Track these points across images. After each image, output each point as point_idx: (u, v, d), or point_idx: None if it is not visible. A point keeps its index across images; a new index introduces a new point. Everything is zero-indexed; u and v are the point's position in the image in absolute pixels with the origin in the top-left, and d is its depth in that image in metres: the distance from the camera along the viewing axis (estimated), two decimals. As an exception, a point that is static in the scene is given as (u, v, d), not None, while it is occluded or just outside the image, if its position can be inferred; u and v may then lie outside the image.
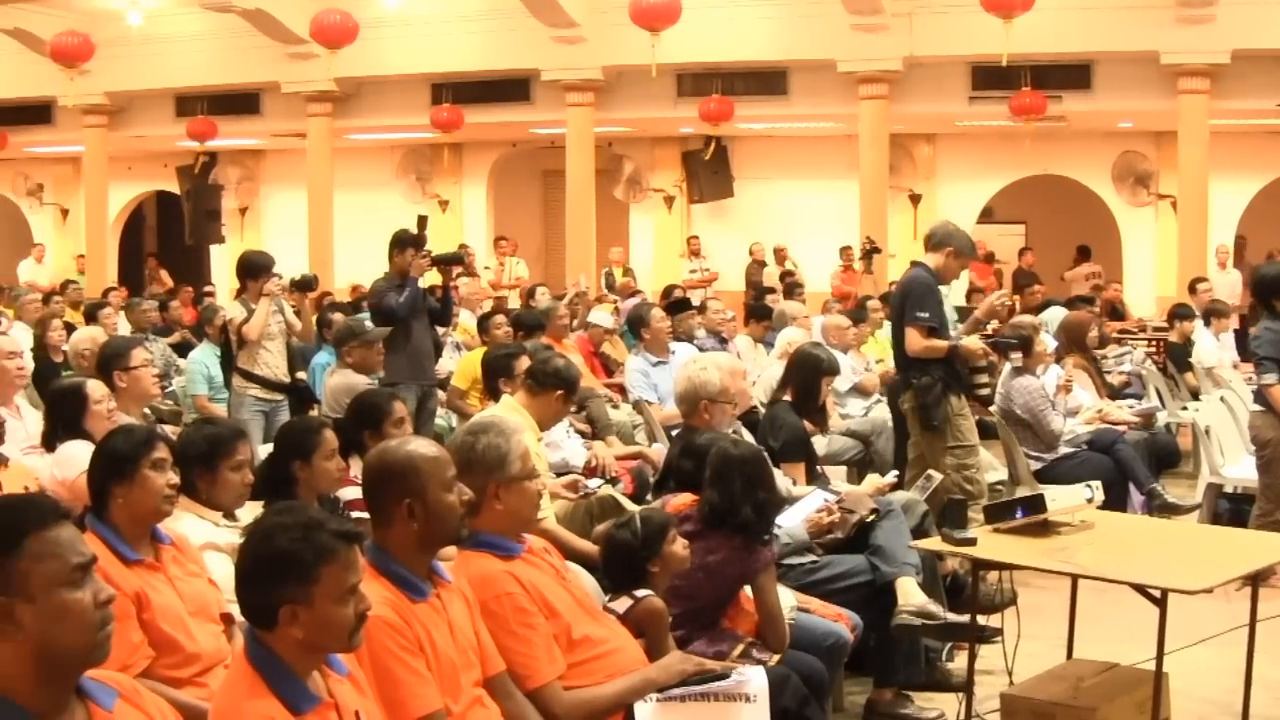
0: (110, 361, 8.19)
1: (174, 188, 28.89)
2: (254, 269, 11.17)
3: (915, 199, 25.09)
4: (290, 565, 3.58)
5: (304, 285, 11.90)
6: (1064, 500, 6.35)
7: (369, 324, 10.85)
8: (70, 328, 13.33)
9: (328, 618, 3.59)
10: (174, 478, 5.03)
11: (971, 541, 5.99)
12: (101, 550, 4.64)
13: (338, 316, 13.20)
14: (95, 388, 7.37)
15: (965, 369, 9.12)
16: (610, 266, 24.36)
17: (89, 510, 4.95)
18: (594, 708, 4.86)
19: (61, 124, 26.61)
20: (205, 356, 12.01)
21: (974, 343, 9.17)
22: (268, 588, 3.59)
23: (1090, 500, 6.40)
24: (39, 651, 2.99)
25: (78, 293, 19.86)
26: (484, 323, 12.96)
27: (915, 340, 9.18)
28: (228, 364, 11.26)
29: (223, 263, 29.41)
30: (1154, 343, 18.36)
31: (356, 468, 6.63)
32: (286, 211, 28.33)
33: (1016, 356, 10.49)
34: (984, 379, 9.26)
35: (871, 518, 7.03)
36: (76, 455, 6.61)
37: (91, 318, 14.81)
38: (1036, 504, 6.26)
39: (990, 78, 20.85)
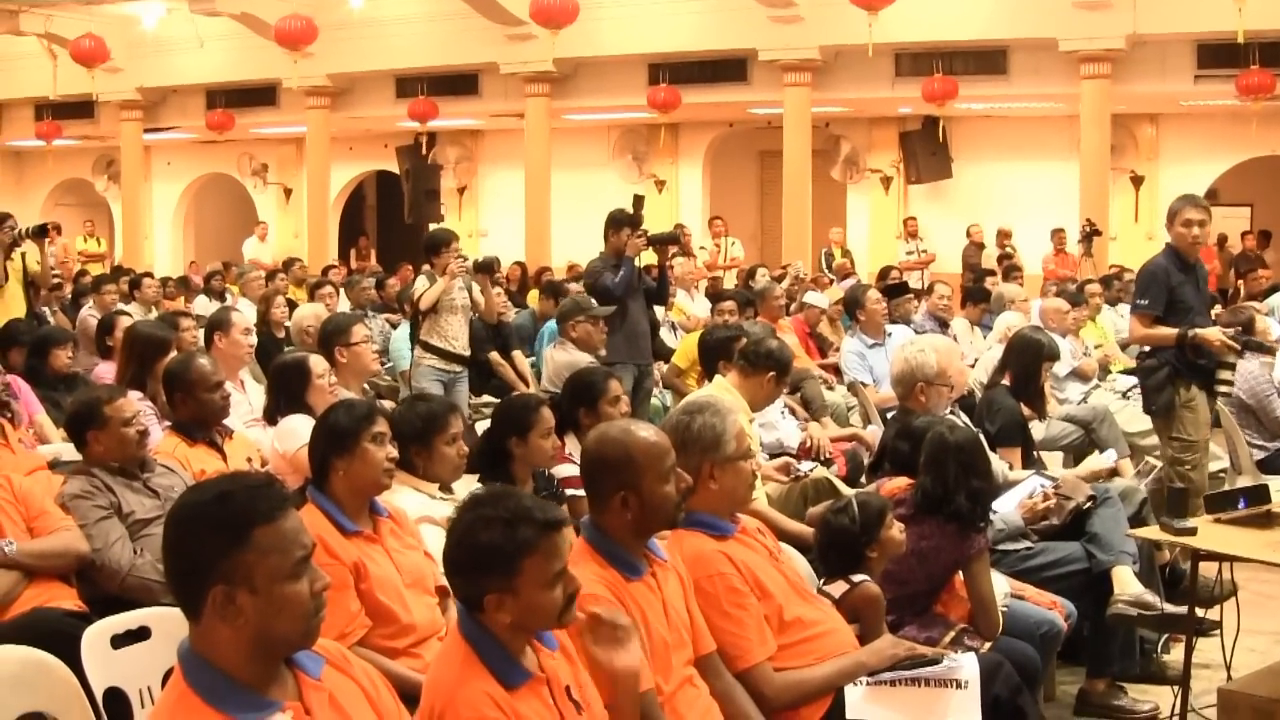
0: (332, 337, 8.36)
1: (394, 168, 29.34)
2: (434, 244, 11.39)
3: (1137, 181, 24.58)
4: (493, 559, 3.62)
5: (485, 267, 12.09)
6: (1289, 491, 6.21)
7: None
8: (293, 305, 13.64)
9: (534, 603, 3.63)
10: (393, 451, 5.14)
11: (1191, 531, 5.87)
12: (321, 521, 4.77)
13: (574, 287, 13.34)
14: (317, 363, 7.53)
15: (1212, 362, 8.69)
16: (829, 246, 24.26)
17: (310, 482, 5.07)
18: (804, 689, 4.85)
19: (285, 105, 27.26)
20: (410, 333, 12.21)
21: (1213, 334, 8.64)
22: (472, 578, 3.66)
23: (1317, 492, 6.24)
24: (255, 636, 3.11)
25: (302, 270, 20.30)
26: (714, 306, 13.05)
27: (1135, 328, 8.97)
28: (414, 336, 11.49)
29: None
30: (1386, 330, 17.79)
31: (572, 444, 6.72)
32: (504, 191, 28.68)
33: (1267, 359, 10.11)
34: (1228, 375, 8.80)
35: (1088, 505, 6.93)
36: (297, 429, 6.76)
37: (312, 295, 15.15)
38: (1260, 494, 6.13)
39: (1217, 56, 20.29)
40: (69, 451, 6.90)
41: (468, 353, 11.39)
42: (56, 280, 18.01)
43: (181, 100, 28.46)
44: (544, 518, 3.68)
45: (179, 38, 26.52)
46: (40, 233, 13.07)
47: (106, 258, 30.11)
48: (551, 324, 12.65)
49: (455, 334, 11.25)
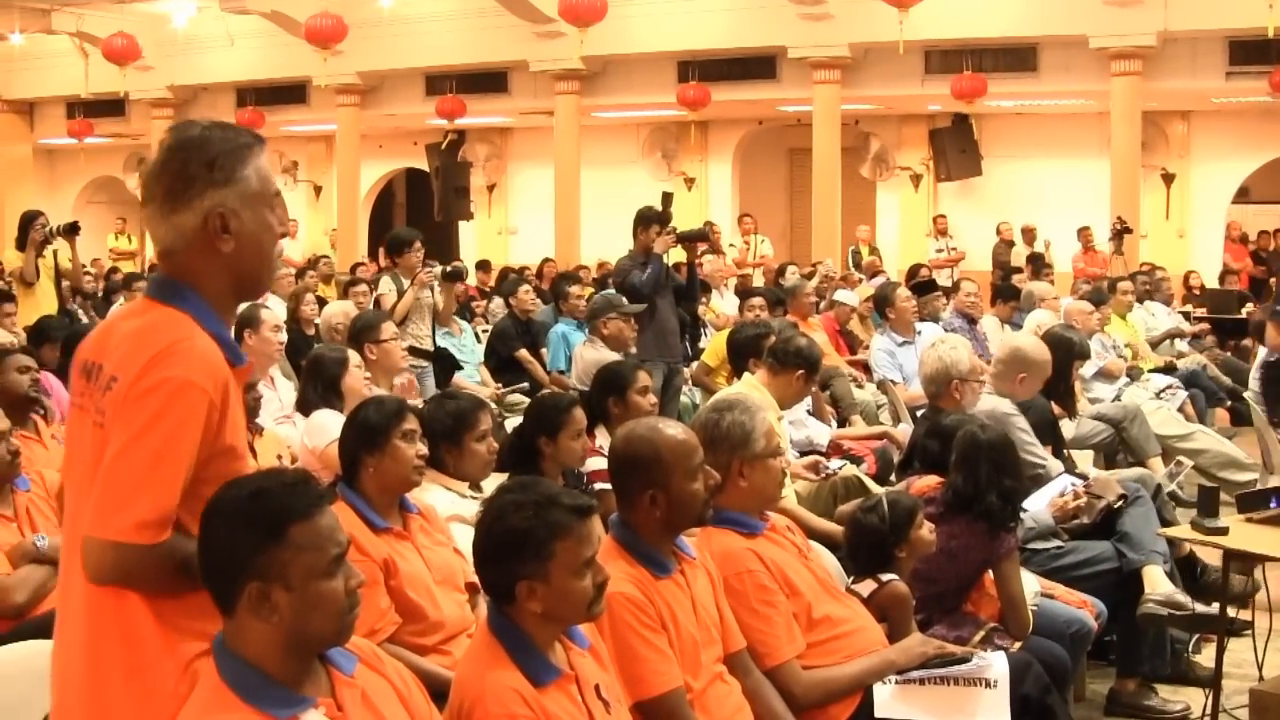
0: (363, 334, 8.39)
1: (424, 165, 29.35)
2: (398, 245, 11.75)
3: (1168, 178, 24.48)
4: (524, 543, 3.64)
5: (453, 276, 12.17)
6: (1321, 490, 6.17)
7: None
8: (321, 302, 13.66)
9: (565, 591, 3.65)
10: (423, 449, 5.15)
11: (1223, 531, 5.85)
12: (351, 518, 4.78)
13: (574, 289, 13.35)
14: (352, 355, 7.57)
15: None
16: (856, 244, 24.23)
17: (340, 479, 5.09)
18: (832, 687, 4.86)
19: (315, 103, 27.34)
20: None
21: None
22: (504, 565, 3.67)
23: (1350, 491, 6.20)
24: (290, 633, 3.12)
25: (329, 267, 20.34)
26: (743, 303, 13.05)
27: (1273, 335, 8.80)
28: None
29: (471, 239, 29.89)
30: None
31: (602, 438, 6.72)
32: (534, 188, 28.67)
33: None
34: None
35: (1119, 504, 6.91)
36: (327, 425, 6.78)
37: (345, 292, 15.17)
38: (1292, 494, 6.10)
39: (1249, 52, 20.18)
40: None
41: (432, 349, 11.63)
42: (87, 276, 18.09)
43: (212, 98, 28.49)
44: (573, 503, 3.72)
45: (209, 36, 26.62)
46: (71, 230, 13.13)
47: (138, 255, 30.19)
48: (561, 326, 12.70)
49: (420, 332, 11.55)
